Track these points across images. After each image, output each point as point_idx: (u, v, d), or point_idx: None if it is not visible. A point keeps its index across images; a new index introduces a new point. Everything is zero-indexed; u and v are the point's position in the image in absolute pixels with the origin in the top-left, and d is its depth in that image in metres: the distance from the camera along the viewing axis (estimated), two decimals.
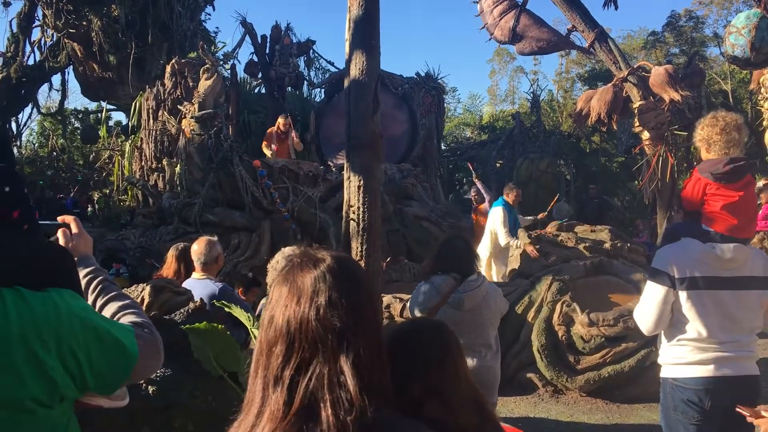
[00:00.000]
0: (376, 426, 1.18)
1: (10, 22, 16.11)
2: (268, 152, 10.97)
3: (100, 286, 1.76)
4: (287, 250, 3.92)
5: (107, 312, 1.71)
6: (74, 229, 1.83)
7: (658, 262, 3.01)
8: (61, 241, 1.80)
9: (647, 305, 3.00)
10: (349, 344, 1.19)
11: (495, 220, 8.77)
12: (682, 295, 2.89)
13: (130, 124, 13.36)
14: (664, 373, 3.06)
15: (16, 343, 1.35)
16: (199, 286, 4.55)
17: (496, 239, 8.90)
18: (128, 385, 1.68)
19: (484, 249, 9.02)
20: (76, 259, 1.77)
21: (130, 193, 13.51)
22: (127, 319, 1.67)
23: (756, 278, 2.93)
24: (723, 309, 2.88)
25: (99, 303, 1.73)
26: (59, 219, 1.85)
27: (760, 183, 10.09)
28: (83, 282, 1.75)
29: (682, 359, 2.94)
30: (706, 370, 2.87)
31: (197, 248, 4.71)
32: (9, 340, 1.35)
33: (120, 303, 1.73)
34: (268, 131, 11.49)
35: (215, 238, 4.94)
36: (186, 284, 4.69)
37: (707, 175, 2.99)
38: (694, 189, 3.05)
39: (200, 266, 4.67)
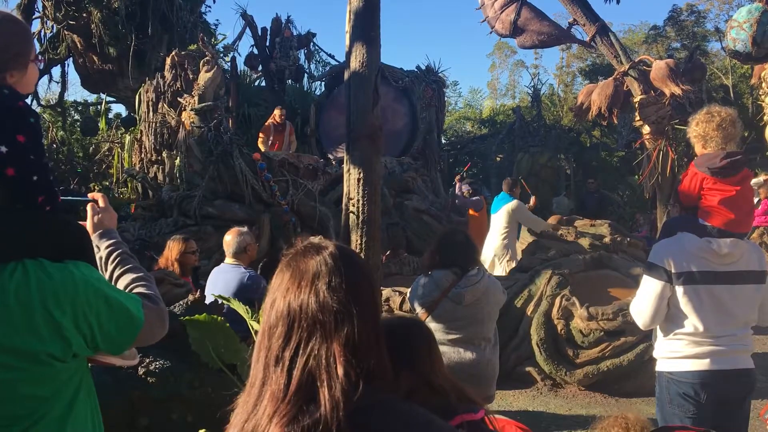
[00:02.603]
0: (373, 407, 1.20)
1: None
2: (263, 147, 10.97)
3: (119, 258, 1.95)
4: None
5: (122, 281, 1.90)
6: (101, 204, 2.02)
7: (655, 256, 3.02)
8: (89, 215, 2.00)
9: (644, 300, 3.01)
10: (348, 327, 1.22)
11: (520, 212, 8.73)
12: (679, 289, 2.90)
13: (137, 117, 13.32)
14: (659, 367, 3.07)
15: (37, 306, 1.55)
16: (230, 270, 4.87)
17: (511, 233, 8.86)
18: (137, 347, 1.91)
19: (496, 248, 8.92)
20: (101, 231, 1.98)
21: (129, 185, 13.49)
22: (137, 290, 1.86)
23: (751, 272, 2.94)
24: (719, 303, 2.89)
25: (116, 273, 1.92)
26: (89, 195, 2.05)
27: (761, 178, 10.07)
28: (105, 253, 1.95)
29: (677, 353, 2.95)
30: (702, 364, 2.89)
31: (228, 239, 5.01)
32: (30, 303, 1.54)
33: (134, 275, 1.92)
34: (264, 125, 11.49)
35: (245, 229, 5.26)
36: (218, 268, 5.02)
37: (704, 169, 2.99)
38: (691, 183, 3.05)
39: (230, 254, 4.96)
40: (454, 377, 1.91)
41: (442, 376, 1.85)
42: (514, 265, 8.81)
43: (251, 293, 4.39)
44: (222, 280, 4.79)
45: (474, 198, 11.19)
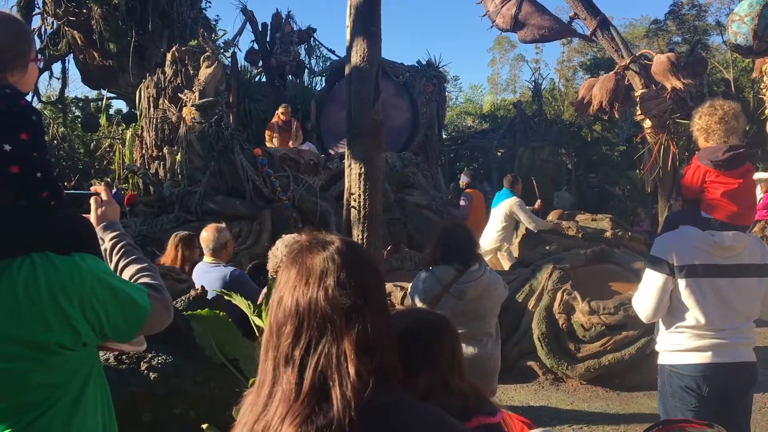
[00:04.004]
0: (386, 405, 1.19)
1: (11, 9, 16.03)
2: (269, 144, 10.91)
3: (123, 250, 1.99)
4: (288, 238, 3.91)
5: (127, 272, 1.94)
6: (104, 197, 2.06)
7: (658, 249, 3.02)
8: (92, 208, 2.04)
9: (646, 293, 3.01)
10: (358, 324, 1.21)
11: (519, 210, 8.66)
12: (681, 282, 2.90)
13: (138, 113, 13.33)
14: (662, 360, 3.07)
15: (45, 298, 1.60)
16: (211, 270, 4.70)
17: (508, 229, 8.84)
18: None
19: (492, 241, 8.89)
20: (104, 224, 2.03)
21: (131, 181, 13.50)
22: (142, 280, 1.91)
23: (754, 266, 2.94)
24: (721, 296, 2.89)
25: (121, 264, 1.97)
26: (92, 189, 2.10)
27: (763, 175, 10.05)
28: (109, 245, 1.99)
29: (680, 346, 2.95)
30: (704, 357, 2.89)
31: (205, 235, 4.85)
32: (39, 296, 1.59)
33: (138, 266, 1.96)
34: (270, 122, 11.44)
35: (223, 225, 5.06)
36: (197, 269, 4.85)
37: (707, 162, 2.99)
38: (693, 176, 3.06)
39: (209, 252, 4.80)
40: (474, 382, 1.86)
41: (463, 378, 1.80)
42: (507, 257, 8.81)
43: (236, 292, 4.24)
44: (206, 280, 4.59)
45: (465, 191, 11.03)
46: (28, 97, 1.85)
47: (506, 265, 8.72)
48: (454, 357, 1.82)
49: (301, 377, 1.18)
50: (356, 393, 1.15)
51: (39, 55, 1.94)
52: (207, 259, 4.84)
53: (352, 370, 1.17)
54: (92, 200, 2.05)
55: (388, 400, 1.19)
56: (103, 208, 2.05)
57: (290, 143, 11.06)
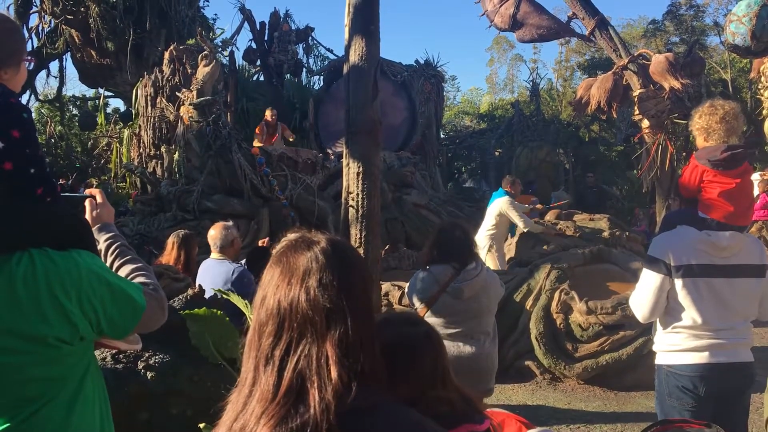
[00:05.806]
0: (365, 409, 1.16)
1: (8, 8, 16.00)
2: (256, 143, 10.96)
3: (118, 251, 2.03)
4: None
5: (123, 272, 1.98)
6: (99, 200, 2.11)
7: (655, 249, 3.02)
8: (88, 210, 2.08)
9: (643, 293, 3.01)
10: (339, 326, 1.18)
11: (508, 208, 8.61)
12: (678, 282, 2.90)
13: (133, 111, 13.29)
14: (659, 360, 3.07)
15: (43, 292, 1.62)
16: (218, 266, 4.83)
17: (499, 229, 8.79)
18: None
19: (482, 239, 8.88)
20: (99, 225, 2.07)
21: (128, 180, 13.49)
22: (138, 279, 1.94)
23: (751, 266, 2.93)
24: (718, 296, 2.89)
25: (116, 264, 2.00)
26: (87, 192, 2.14)
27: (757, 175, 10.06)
28: (104, 246, 2.03)
29: (677, 346, 2.95)
30: (701, 357, 2.89)
31: (213, 233, 4.97)
32: (38, 290, 1.62)
33: (133, 266, 2.00)
34: (261, 122, 11.47)
35: (230, 223, 5.20)
36: (205, 264, 4.97)
37: (705, 162, 2.99)
38: (691, 176, 3.05)
39: (216, 249, 4.91)
40: (463, 385, 1.81)
41: (448, 386, 1.75)
42: (496, 257, 8.73)
43: (237, 289, 4.34)
44: (209, 276, 4.74)
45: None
46: (26, 96, 1.87)
47: (493, 266, 8.67)
48: (436, 370, 1.76)
49: (280, 378, 1.17)
50: (336, 396, 1.14)
51: (29, 56, 1.97)
52: (214, 255, 4.93)
53: (333, 373, 1.15)
54: (87, 203, 2.09)
55: (367, 404, 1.17)
56: (98, 210, 2.09)
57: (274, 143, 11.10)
